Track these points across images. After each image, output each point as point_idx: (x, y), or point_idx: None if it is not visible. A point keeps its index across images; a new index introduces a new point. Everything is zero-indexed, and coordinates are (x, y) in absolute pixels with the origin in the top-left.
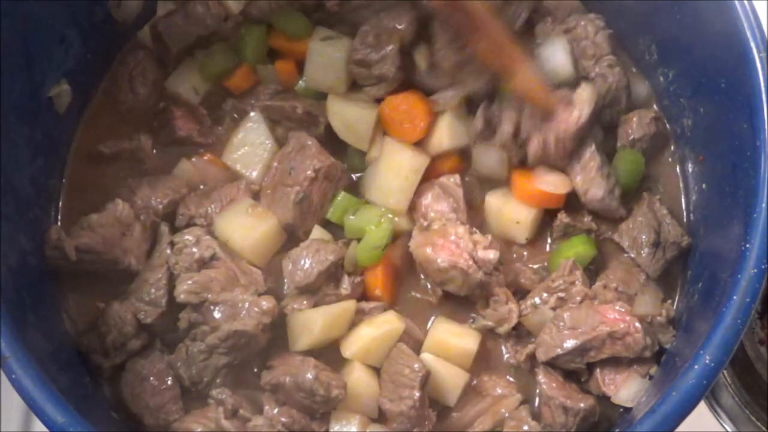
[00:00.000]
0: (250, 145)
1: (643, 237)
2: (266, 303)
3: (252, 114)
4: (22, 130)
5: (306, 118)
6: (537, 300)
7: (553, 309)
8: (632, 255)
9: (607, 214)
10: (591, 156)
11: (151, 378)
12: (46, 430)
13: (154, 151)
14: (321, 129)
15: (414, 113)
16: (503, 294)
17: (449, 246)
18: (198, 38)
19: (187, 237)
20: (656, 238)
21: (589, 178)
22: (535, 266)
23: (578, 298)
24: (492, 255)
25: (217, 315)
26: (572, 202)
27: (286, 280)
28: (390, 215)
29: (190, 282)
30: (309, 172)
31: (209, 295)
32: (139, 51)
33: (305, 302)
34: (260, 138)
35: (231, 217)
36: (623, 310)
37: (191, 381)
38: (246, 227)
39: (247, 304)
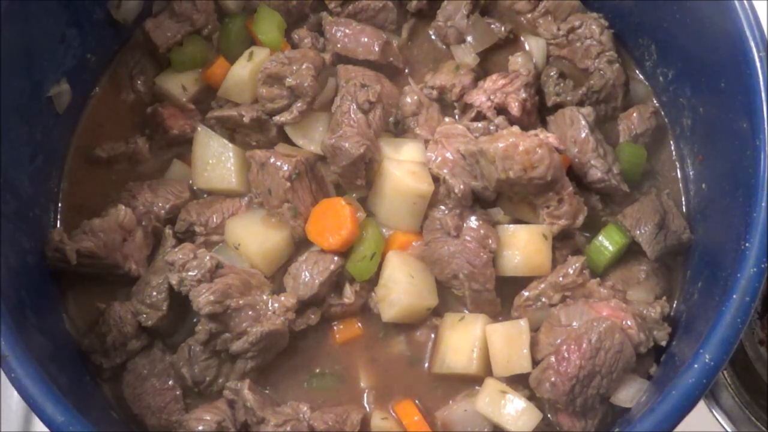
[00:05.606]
0: (214, 159)
1: (647, 219)
2: (287, 299)
3: (199, 129)
4: (22, 130)
5: (255, 124)
6: (543, 298)
7: (553, 306)
8: (633, 234)
9: (612, 192)
10: (585, 138)
11: (153, 378)
12: (46, 429)
13: (151, 153)
14: (273, 132)
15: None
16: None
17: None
18: (185, 35)
19: (179, 255)
20: (660, 221)
21: (586, 160)
22: None
23: (581, 298)
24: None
25: (240, 320)
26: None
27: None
28: (380, 227)
29: (208, 293)
30: (286, 184)
31: (231, 302)
32: (139, 50)
33: (312, 316)
34: (218, 148)
35: (245, 223)
36: (617, 306)
37: (194, 381)
38: (261, 235)
39: (269, 305)
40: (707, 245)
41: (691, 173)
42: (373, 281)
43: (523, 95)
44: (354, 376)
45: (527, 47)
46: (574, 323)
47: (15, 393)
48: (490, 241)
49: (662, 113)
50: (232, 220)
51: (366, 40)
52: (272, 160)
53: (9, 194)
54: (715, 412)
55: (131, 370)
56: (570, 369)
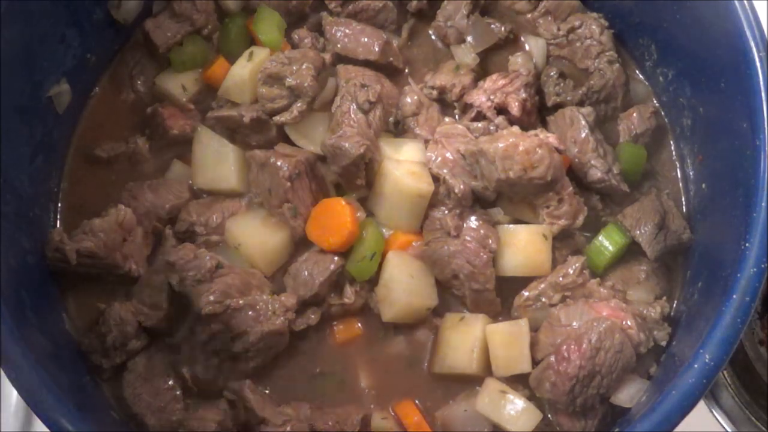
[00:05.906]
0: (214, 159)
1: (647, 219)
2: (287, 299)
3: (199, 129)
4: (22, 130)
5: (255, 124)
6: (543, 298)
7: (553, 306)
8: (633, 234)
9: (612, 192)
10: (585, 138)
11: (153, 378)
12: (46, 430)
13: (151, 153)
14: (273, 132)
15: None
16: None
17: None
18: (185, 35)
19: (179, 255)
20: (660, 221)
21: (586, 160)
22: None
23: (581, 298)
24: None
25: (240, 320)
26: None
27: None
28: (380, 227)
29: (210, 293)
30: (286, 184)
31: (231, 302)
32: (139, 50)
33: (312, 316)
34: (218, 148)
35: (245, 223)
36: (617, 306)
37: (194, 381)
38: (261, 235)
39: (269, 305)
40: (707, 245)
41: (691, 173)
42: (373, 281)
43: (523, 95)
44: (354, 376)
45: (527, 47)
46: (574, 323)
47: (15, 393)
48: (490, 241)
49: (662, 113)
50: (232, 220)
51: (366, 40)
52: (272, 160)
53: (9, 194)
54: (715, 412)
55: (131, 370)
56: (570, 369)
